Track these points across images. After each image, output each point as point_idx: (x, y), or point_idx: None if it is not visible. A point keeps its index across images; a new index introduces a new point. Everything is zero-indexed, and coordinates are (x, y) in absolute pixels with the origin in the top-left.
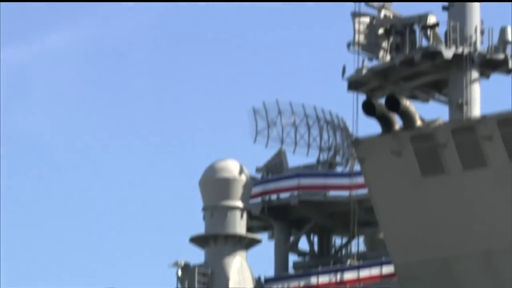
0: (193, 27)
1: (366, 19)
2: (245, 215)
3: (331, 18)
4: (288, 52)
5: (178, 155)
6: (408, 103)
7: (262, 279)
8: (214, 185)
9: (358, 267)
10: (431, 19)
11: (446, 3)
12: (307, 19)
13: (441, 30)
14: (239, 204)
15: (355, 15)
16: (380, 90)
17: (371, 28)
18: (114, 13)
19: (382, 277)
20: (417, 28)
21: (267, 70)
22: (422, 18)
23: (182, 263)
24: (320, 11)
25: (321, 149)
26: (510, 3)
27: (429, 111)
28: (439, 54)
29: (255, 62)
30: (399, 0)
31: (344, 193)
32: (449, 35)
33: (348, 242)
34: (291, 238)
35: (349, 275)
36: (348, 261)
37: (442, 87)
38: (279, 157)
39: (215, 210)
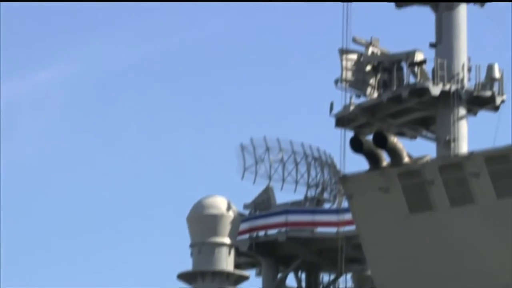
0: (182, 64)
1: (354, 56)
2: (232, 252)
3: (319, 55)
4: (276, 88)
5: (166, 191)
6: (396, 140)
7: None
8: (201, 222)
9: None
10: (419, 56)
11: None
12: (295, 55)
13: (428, 67)
14: (227, 240)
15: (343, 52)
16: (367, 126)
17: (358, 65)
18: (101, 50)
19: None
20: (404, 65)
21: (255, 106)
22: (410, 55)
23: None
24: (307, 48)
25: (308, 186)
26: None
27: (416, 148)
28: (426, 91)
29: (243, 99)
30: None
31: (332, 230)
32: (436, 72)
33: (336, 279)
34: (279, 275)
35: None
36: None
37: (429, 124)
38: (267, 193)
39: (202, 247)
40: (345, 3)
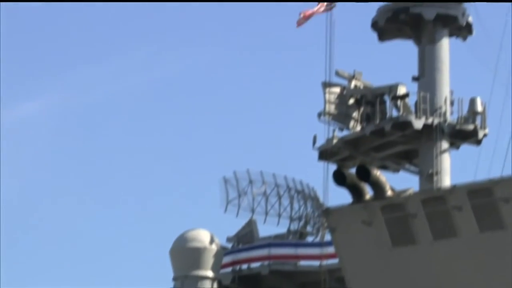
0: (165, 96)
1: (337, 89)
2: (215, 285)
3: (302, 88)
4: (259, 121)
5: (148, 224)
6: (379, 173)
7: None
8: (184, 255)
9: None
10: (401, 90)
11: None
12: (278, 88)
13: (411, 101)
14: (210, 274)
15: (326, 85)
16: (350, 159)
17: (341, 98)
18: (86, 82)
19: None
20: (387, 99)
21: (238, 139)
22: (392, 88)
23: None
24: (291, 81)
25: (291, 219)
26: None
27: (399, 181)
28: (409, 124)
29: (226, 131)
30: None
31: (315, 263)
32: (419, 105)
33: None
34: None
35: None
36: None
37: (412, 157)
38: (250, 226)
39: (185, 280)
40: (328, 36)
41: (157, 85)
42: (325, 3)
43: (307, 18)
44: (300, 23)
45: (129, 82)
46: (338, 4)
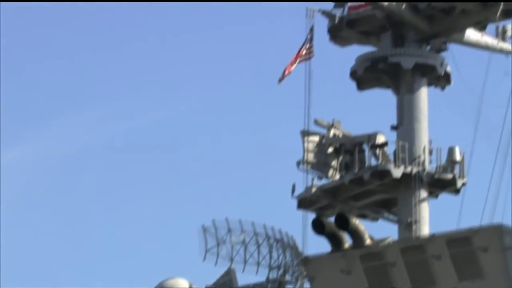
0: (144, 146)
1: (316, 138)
2: None
3: (281, 136)
4: (238, 170)
5: (127, 273)
6: (358, 222)
7: None
8: None
9: None
10: (380, 139)
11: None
12: (257, 136)
13: (390, 149)
14: None
15: (305, 134)
16: (329, 208)
17: (320, 147)
18: (63, 132)
19: None
20: (366, 147)
21: (217, 188)
22: (371, 137)
23: None
24: (270, 129)
25: (270, 268)
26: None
27: (378, 230)
28: (388, 173)
29: (205, 180)
30: None
31: None
32: (398, 154)
33: None
34: None
35: None
36: None
37: (391, 206)
38: (229, 275)
39: None
40: (307, 85)
41: (135, 134)
42: (304, 52)
43: (289, 73)
44: (281, 79)
45: (106, 133)
46: (317, 52)
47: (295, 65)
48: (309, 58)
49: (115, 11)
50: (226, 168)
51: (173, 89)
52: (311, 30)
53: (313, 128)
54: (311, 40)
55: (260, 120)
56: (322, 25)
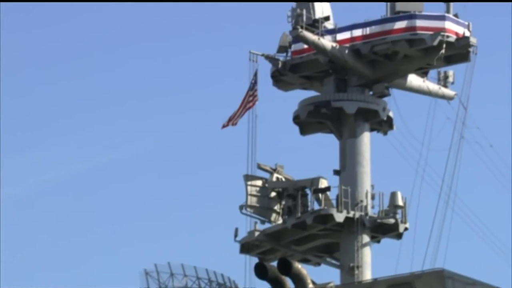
0: (85, 189)
1: (259, 182)
2: None
3: (224, 180)
4: (181, 213)
5: None
6: (300, 266)
7: None
8: None
9: None
10: (323, 183)
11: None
12: (200, 180)
13: (332, 194)
14: None
15: (248, 178)
16: (272, 253)
17: (263, 191)
18: (15, 171)
19: None
20: (309, 192)
21: (159, 232)
22: (314, 181)
23: None
24: (213, 173)
25: None
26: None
27: (320, 275)
28: (330, 217)
29: (146, 223)
30: None
31: None
32: (340, 199)
33: None
34: None
35: None
36: None
37: (333, 250)
38: None
39: None
40: (251, 130)
41: (76, 177)
42: (248, 101)
43: (234, 124)
44: (225, 125)
45: (51, 174)
46: (261, 96)
47: (240, 117)
48: (253, 105)
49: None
50: (169, 211)
51: (120, 131)
52: (255, 74)
53: (256, 172)
54: (255, 84)
55: (202, 164)
56: (266, 69)
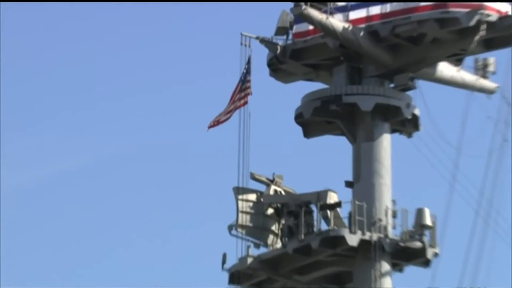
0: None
1: (252, 197)
2: None
3: (210, 193)
4: (157, 235)
5: None
6: None
7: None
8: None
9: None
10: (332, 198)
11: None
12: (180, 191)
13: (344, 211)
14: None
15: (238, 191)
16: (269, 283)
17: (257, 208)
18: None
19: None
20: (314, 208)
21: (143, 259)
22: (321, 196)
23: None
24: (200, 186)
25: None
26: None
27: None
28: (342, 240)
29: (127, 249)
30: None
31: None
32: (354, 217)
33: None
34: None
35: None
36: None
37: (345, 281)
38: None
39: None
40: (242, 132)
41: (41, 184)
42: (239, 97)
43: (220, 123)
44: (212, 126)
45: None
46: (254, 89)
47: (229, 115)
48: (245, 102)
49: None
50: (144, 233)
51: (93, 133)
52: (248, 62)
53: (249, 184)
54: (247, 74)
55: (184, 173)
56: (261, 55)
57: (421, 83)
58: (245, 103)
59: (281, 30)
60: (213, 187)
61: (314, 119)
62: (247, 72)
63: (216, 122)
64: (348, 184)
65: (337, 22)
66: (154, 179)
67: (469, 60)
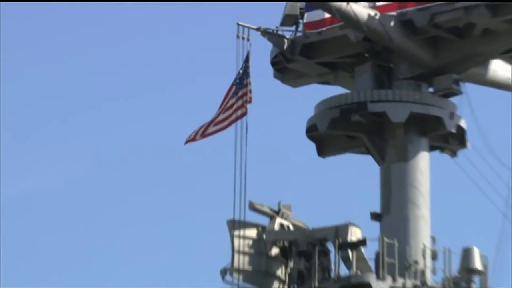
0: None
1: (252, 232)
2: None
3: (198, 224)
4: (131, 280)
5: None
6: None
7: None
8: None
9: None
10: (354, 234)
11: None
12: (160, 223)
13: (369, 251)
14: None
15: (234, 225)
16: None
17: (258, 247)
18: None
19: None
20: (331, 247)
21: None
22: (340, 231)
23: None
24: (180, 213)
25: None
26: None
27: None
28: None
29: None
30: None
31: None
32: (382, 259)
33: None
34: None
35: None
36: None
37: None
38: None
39: None
40: (240, 149)
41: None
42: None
43: (205, 136)
44: (189, 140)
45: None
46: (256, 97)
47: (218, 127)
48: (243, 115)
49: None
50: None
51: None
52: (246, 60)
53: (248, 216)
54: (244, 75)
55: (164, 199)
56: (263, 51)
57: (468, 87)
58: (244, 114)
59: (289, 19)
60: (202, 220)
61: (331, 133)
62: (245, 72)
63: (200, 135)
64: (375, 216)
65: (360, 8)
66: (124, 206)
67: None
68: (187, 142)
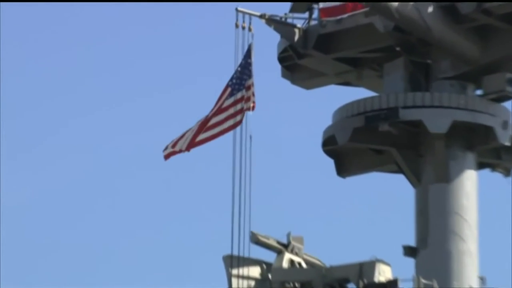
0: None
1: (255, 271)
2: None
3: (191, 259)
4: None
5: None
6: None
7: None
8: None
9: None
10: (383, 272)
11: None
12: (146, 258)
13: None
14: None
15: (233, 261)
16: None
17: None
18: None
19: None
20: None
21: None
22: (365, 269)
23: None
24: (189, 252)
25: None
26: None
27: None
28: None
29: None
30: None
31: None
32: None
33: None
34: None
35: None
36: None
37: None
38: None
39: None
40: (240, 164)
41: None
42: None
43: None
44: (169, 154)
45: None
46: (260, 100)
47: (209, 134)
48: (239, 122)
49: None
50: None
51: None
52: (248, 54)
53: (250, 250)
54: (244, 72)
55: (151, 228)
56: (268, 43)
57: None
58: (238, 123)
59: (301, 5)
60: (195, 254)
61: (354, 147)
62: (246, 70)
63: (185, 146)
64: (409, 251)
65: None
66: (104, 239)
67: None
68: (167, 157)
